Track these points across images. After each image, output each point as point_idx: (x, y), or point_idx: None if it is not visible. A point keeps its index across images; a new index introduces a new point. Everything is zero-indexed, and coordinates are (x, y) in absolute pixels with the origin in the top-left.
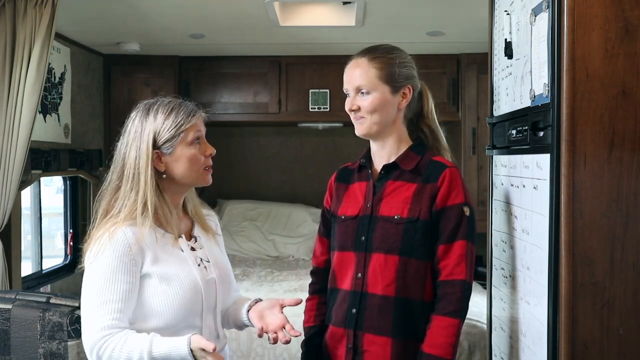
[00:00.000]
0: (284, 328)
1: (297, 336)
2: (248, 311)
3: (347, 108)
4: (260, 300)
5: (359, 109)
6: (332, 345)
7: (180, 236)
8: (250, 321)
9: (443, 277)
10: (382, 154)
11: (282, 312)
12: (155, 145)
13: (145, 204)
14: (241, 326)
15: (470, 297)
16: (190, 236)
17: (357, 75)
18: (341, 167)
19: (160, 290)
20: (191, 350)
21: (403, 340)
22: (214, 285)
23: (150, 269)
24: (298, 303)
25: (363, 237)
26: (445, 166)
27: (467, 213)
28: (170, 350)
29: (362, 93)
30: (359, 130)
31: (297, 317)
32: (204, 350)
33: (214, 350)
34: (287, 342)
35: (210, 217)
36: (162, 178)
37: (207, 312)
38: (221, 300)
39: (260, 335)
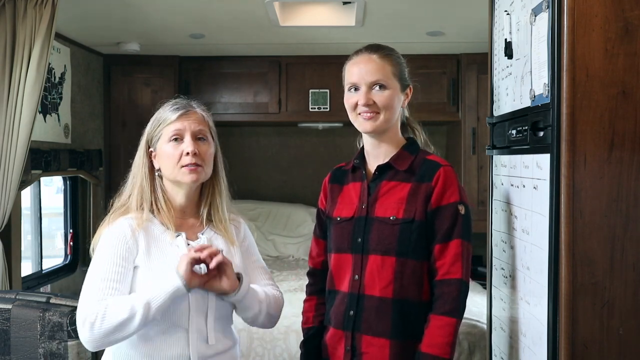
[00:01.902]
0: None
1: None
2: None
3: (361, 102)
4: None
5: (374, 103)
6: (331, 346)
7: (179, 234)
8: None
9: (439, 276)
10: (377, 154)
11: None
12: (150, 143)
13: (139, 198)
14: (248, 310)
15: (467, 295)
16: (196, 236)
17: (373, 70)
18: (335, 167)
19: (144, 283)
20: (183, 279)
21: (401, 342)
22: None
23: (141, 261)
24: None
25: (359, 239)
26: (440, 165)
27: (462, 212)
28: (161, 288)
29: (378, 88)
30: (369, 126)
31: (297, 317)
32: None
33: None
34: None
35: (234, 222)
36: (159, 176)
37: (195, 313)
38: (216, 305)
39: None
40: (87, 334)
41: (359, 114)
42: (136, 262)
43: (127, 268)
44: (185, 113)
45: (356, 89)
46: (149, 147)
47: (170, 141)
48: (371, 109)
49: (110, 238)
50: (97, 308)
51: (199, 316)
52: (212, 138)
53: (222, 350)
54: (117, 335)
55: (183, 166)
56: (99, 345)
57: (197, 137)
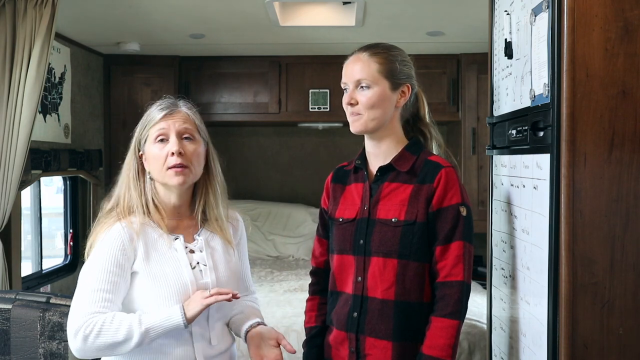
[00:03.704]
0: None
1: None
2: (247, 332)
3: (345, 102)
4: (260, 323)
5: (357, 103)
6: (334, 347)
7: (177, 237)
8: (247, 343)
9: (441, 278)
10: (378, 154)
11: (278, 346)
12: (139, 146)
13: (127, 203)
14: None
15: (469, 297)
16: (192, 238)
17: (358, 69)
18: (337, 167)
19: (146, 289)
20: (187, 320)
21: (404, 344)
22: (207, 290)
23: (140, 267)
24: (292, 352)
25: (361, 241)
26: (441, 166)
27: (464, 213)
28: (163, 321)
29: (362, 87)
30: (355, 126)
31: (297, 317)
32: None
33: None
34: None
35: (232, 220)
36: (150, 178)
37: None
38: (217, 306)
39: None
40: (79, 345)
41: (351, 113)
42: (134, 268)
43: (123, 277)
44: (169, 113)
45: (347, 89)
46: (139, 150)
47: (156, 142)
48: (354, 109)
49: (107, 244)
50: (92, 321)
51: (202, 318)
52: (201, 136)
53: (223, 349)
54: (108, 352)
55: (169, 167)
56: (87, 357)
57: (182, 137)
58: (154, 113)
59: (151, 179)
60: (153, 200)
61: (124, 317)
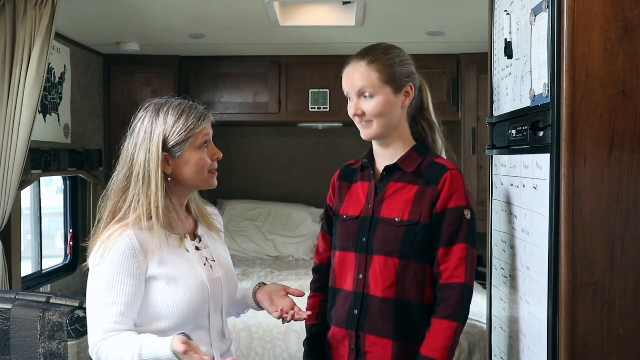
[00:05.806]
0: (293, 310)
1: (306, 317)
2: (255, 294)
3: (351, 113)
4: (264, 284)
5: (364, 113)
6: (334, 345)
7: (185, 237)
8: (258, 304)
9: (443, 280)
10: (386, 154)
11: (287, 296)
12: (165, 148)
13: (156, 208)
14: (244, 310)
15: (470, 300)
16: (194, 236)
17: (358, 79)
18: (344, 165)
19: (168, 292)
20: (174, 352)
21: (404, 343)
22: (220, 284)
23: (157, 271)
24: (301, 295)
25: (364, 239)
26: (447, 169)
27: (468, 216)
28: (157, 353)
29: (366, 97)
30: (366, 134)
31: None
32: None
33: (186, 351)
34: (302, 319)
35: (215, 216)
36: (168, 180)
37: (214, 312)
38: (227, 299)
39: (279, 317)
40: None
41: (359, 122)
42: (149, 274)
43: (139, 287)
44: (209, 118)
45: (350, 97)
46: (164, 151)
47: (202, 147)
48: (362, 119)
49: (120, 253)
50: (106, 343)
51: (217, 314)
52: None
53: (230, 343)
54: None
55: (210, 171)
56: None
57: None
58: (195, 120)
59: (168, 180)
60: (171, 203)
61: (127, 348)
